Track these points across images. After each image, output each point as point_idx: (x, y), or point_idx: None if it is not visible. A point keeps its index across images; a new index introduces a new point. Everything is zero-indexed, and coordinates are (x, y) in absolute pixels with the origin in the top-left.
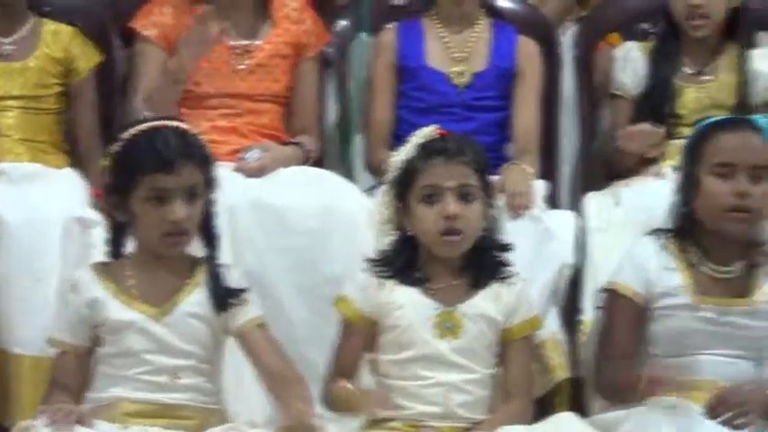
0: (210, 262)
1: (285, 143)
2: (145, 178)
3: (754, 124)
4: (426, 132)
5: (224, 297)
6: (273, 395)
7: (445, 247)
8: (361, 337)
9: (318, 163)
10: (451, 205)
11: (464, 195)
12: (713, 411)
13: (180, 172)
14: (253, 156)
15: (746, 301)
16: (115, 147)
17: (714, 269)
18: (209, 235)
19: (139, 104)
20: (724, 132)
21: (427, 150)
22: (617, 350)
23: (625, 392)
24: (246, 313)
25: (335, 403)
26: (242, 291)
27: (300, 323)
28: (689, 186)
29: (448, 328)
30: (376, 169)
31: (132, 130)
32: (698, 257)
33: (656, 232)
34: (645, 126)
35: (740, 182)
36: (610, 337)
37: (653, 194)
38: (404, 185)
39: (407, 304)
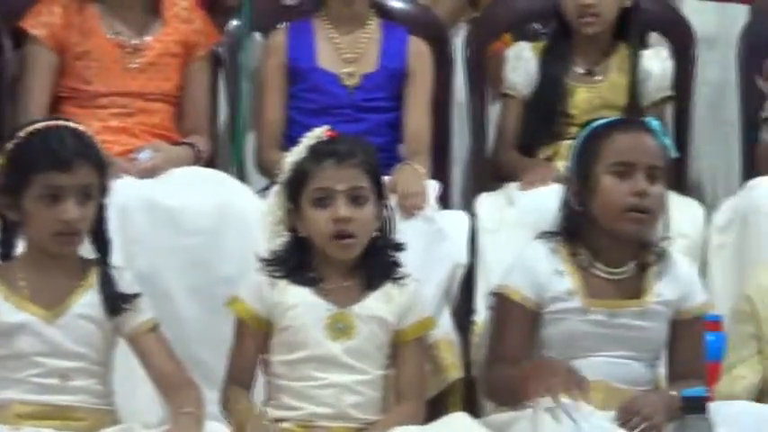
0: (102, 265)
1: (176, 143)
2: (39, 176)
3: (647, 125)
4: (317, 134)
5: (116, 301)
6: (164, 399)
7: (337, 250)
8: (254, 337)
9: (210, 163)
10: (342, 209)
11: (355, 198)
12: (624, 424)
13: (75, 171)
14: (144, 156)
15: (638, 303)
16: (9, 145)
17: (605, 271)
18: (100, 238)
19: (31, 107)
20: (620, 132)
21: (318, 153)
22: (506, 353)
23: (513, 394)
24: (138, 316)
25: (231, 413)
26: (134, 296)
27: (193, 323)
28: (584, 186)
29: (340, 329)
30: (267, 170)
31: (27, 129)
32: (588, 260)
33: (547, 235)
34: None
35: (638, 181)
36: (499, 340)
37: (545, 195)
38: (295, 187)
39: (300, 305)
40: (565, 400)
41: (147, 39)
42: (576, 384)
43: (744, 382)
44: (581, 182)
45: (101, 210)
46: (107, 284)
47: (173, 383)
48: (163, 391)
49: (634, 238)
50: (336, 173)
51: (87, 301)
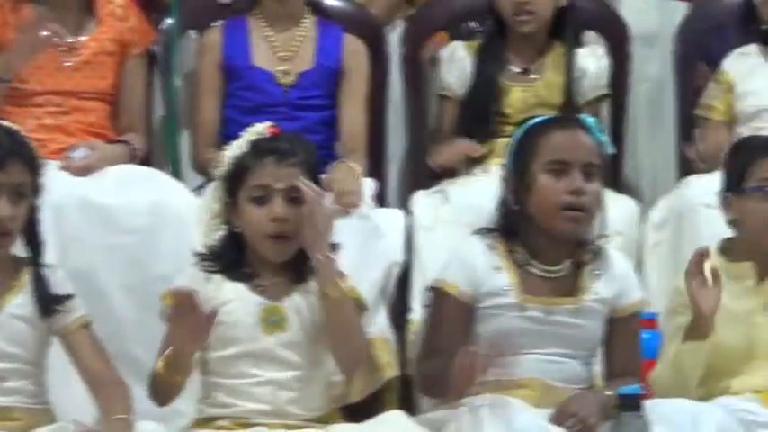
0: (35, 265)
1: (111, 141)
2: None
3: (582, 123)
4: (259, 129)
5: (48, 303)
6: (93, 397)
7: (271, 250)
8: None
9: (145, 161)
10: (280, 208)
11: (293, 198)
12: (560, 425)
13: (8, 170)
14: (79, 154)
15: (573, 300)
16: None
17: (541, 268)
18: (33, 238)
19: None
20: (556, 130)
21: (259, 149)
22: (441, 347)
23: (445, 388)
24: (69, 314)
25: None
26: (66, 296)
27: (129, 321)
28: (520, 184)
29: (274, 322)
30: (202, 168)
31: None
32: (525, 257)
33: (484, 231)
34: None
35: (575, 179)
36: (434, 334)
37: (480, 193)
38: (234, 182)
39: (234, 300)
40: (497, 397)
41: (83, 38)
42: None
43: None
44: (517, 180)
45: (33, 209)
46: (39, 285)
47: (102, 381)
48: (92, 388)
49: (570, 236)
50: (276, 171)
51: (20, 301)
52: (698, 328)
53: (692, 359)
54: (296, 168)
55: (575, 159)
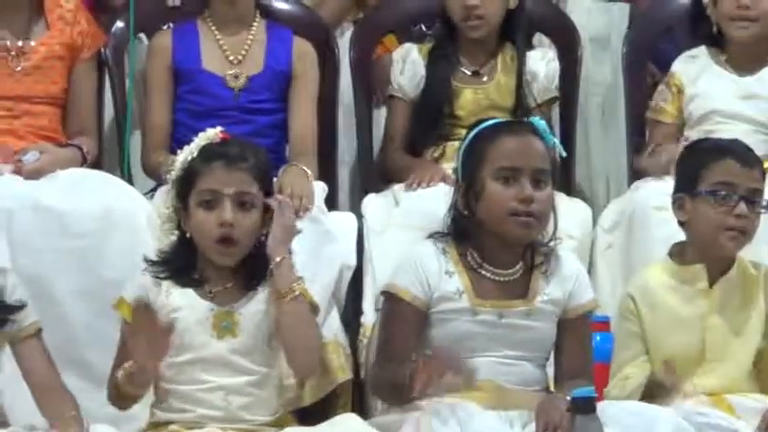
0: None
1: (62, 145)
2: None
3: (533, 127)
4: (210, 135)
5: (1, 314)
6: (40, 406)
7: (219, 255)
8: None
9: (96, 165)
10: (228, 213)
11: (242, 203)
12: None
13: None
14: (29, 158)
15: (525, 303)
16: None
17: (493, 272)
18: None
19: None
20: (505, 136)
21: (208, 154)
22: (395, 353)
23: (400, 392)
24: (21, 322)
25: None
26: (19, 307)
27: (81, 326)
28: (470, 190)
29: (225, 327)
30: (153, 172)
31: None
32: (477, 261)
33: (436, 235)
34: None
35: (524, 186)
36: (388, 339)
37: (431, 197)
38: (184, 187)
39: (184, 306)
40: (451, 400)
41: (32, 42)
42: (461, 374)
43: (632, 382)
44: (467, 186)
45: None
46: None
47: (50, 389)
48: (39, 396)
49: (521, 241)
50: (225, 176)
51: None
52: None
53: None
54: (245, 173)
55: (524, 166)
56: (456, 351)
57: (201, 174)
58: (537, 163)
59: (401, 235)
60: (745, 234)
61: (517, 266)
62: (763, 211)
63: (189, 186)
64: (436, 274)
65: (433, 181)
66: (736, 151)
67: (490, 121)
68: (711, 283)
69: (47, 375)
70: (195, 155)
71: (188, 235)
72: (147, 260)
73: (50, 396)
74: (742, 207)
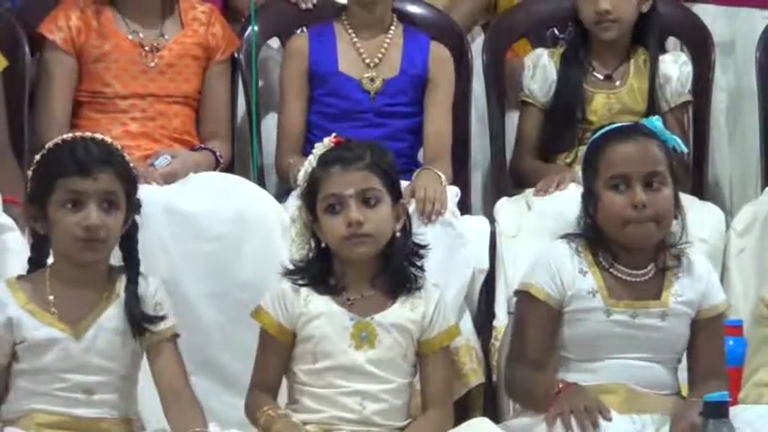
0: (130, 283)
1: (195, 148)
2: (60, 182)
3: (645, 130)
4: (325, 143)
5: (141, 321)
6: (167, 412)
7: (352, 249)
8: (279, 348)
9: (229, 168)
10: (354, 212)
11: (366, 200)
12: None
13: (97, 177)
14: (161, 162)
15: (659, 303)
16: (37, 156)
17: (626, 272)
18: (130, 254)
19: (51, 112)
20: (613, 144)
21: (325, 161)
22: (530, 353)
23: (532, 402)
24: (158, 325)
25: (258, 419)
26: (160, 318)
27: (214, 328)
28: (589, 200)
29: (364, 338)
30: (286, 175)
31: (54, 141)
32: (609, 261)
33: (569, 236)
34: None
35: (636, 193)
36: (522, 339)
37: (563, 200)
38: (310, 198)
39: (323, 315)
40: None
41: (166, 40)
42: (594, 420)
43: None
44: (587, 195)
45: (131, 223)
46: (133, 305)
47: (179, 397)
48: (167, 402)
49: (641, 246)
50: (343, 178)
51: (113, 313)
52: None
53: None
54: (363, 171)
55: (634, 171)
56: (591, 396)
57: (322, 181)
58: (647, 167)
59: (533, 239)
60: None
61: (649, 267)
62: None
63: (314, 197)
64: (570, 273)
65: (563, 184)
66: None
67: (602, 130)
68: None
69: (177, 382)
70: (315, 165)
71: (323, 245)
72: (284, 270)
73: (179, 404)
74: None
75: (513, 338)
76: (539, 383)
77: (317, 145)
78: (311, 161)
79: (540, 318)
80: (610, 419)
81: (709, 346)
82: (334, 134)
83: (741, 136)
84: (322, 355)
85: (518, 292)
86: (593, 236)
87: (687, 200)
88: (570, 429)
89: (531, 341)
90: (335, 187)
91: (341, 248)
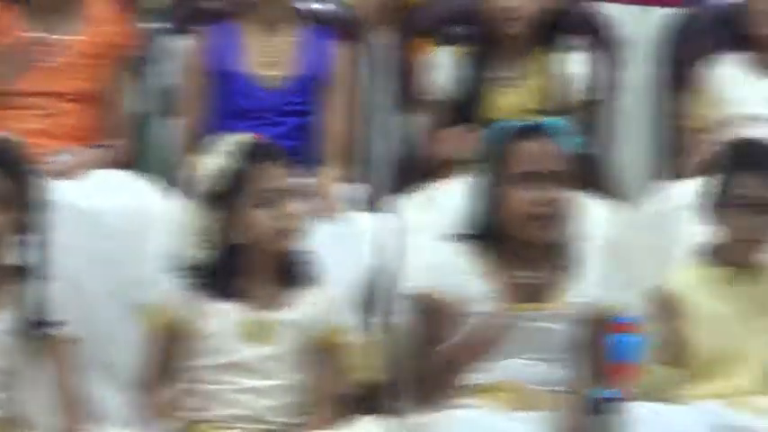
0: (24, 282)
1: (94, 146)
2: None
3: (550, 129)
4: (243, 138)
5: (36, 324)
6: (61, 411)
7: (281, 243)
8: (173, 344)
9: (127, 166)
10: (286, 206)
11: (293, 197)
12: None
13: None
14: (60, 159)
15: (552, 306)
16: None
17: (519, 274)
18: (24, 252)
19: None
20: (522, 141)
21: (255, 155)
22: (436, 357)
23: (440, 390)
24: (54, 328)
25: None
26: (59, 323)
27: (109, 325)
28: (490, 195)
29: (257, 335)
30: (186, 173)
31: None
32: (503, 263)
33: (462, 238)
34: (458, 130)
35: (542, 190)
36: (424, 344)
37: (461, 196)
38: (230, 194)
39: (217, 312)
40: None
41: (67, 38)
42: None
43: (666, 383)
44: (487, 190)
45: (24, 220)
46: (30, 308)
47: (70, 400)
48: (63, 402)
49: (541, 242)
50: (277, 172)
51: (5, 315)
52: None
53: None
54: (286, 170)
55: (541, 169)
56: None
57: (252, 176)
58: (554, 165)
59: (434, 234)
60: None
61: (542, 268)
62: None
63: (236, 191)
64: (464, 276)
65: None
66: (763, 165)
67: (507, 126)
68: (742, 285)
69: (69, 383)
70: (237, 160)
71: (233, 241)
72: (180, 267)
73: (73, 406)
74: (760, 221)
75: (413, 343)
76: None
77: (227, 141)
78: (229, 157)
79: (439, 321)
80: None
81: (600, 345)
82: (251, 132)
83: (637, 133)
84: (215, 352)
85: (414, 297)
86: (489, 235)
87: (585, 197)
88: None
89: (432, 344)
90: (271, 182)
91: (268, 242)
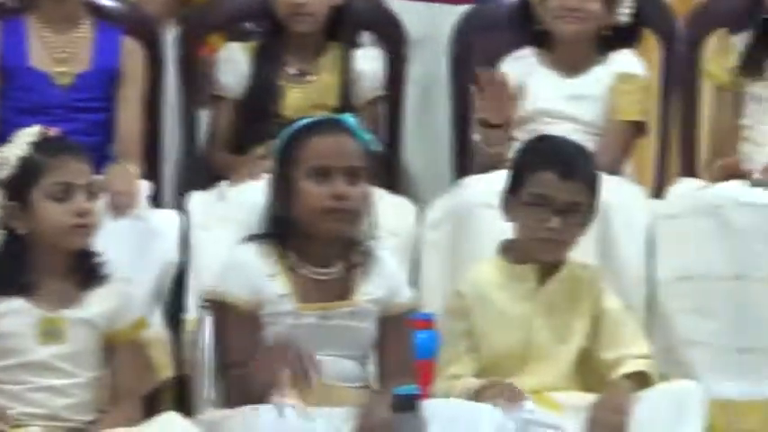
0: None
1: None
2: None
3: (345, 125)
4: (40, 131)
5: None
6: None
7: (75, 239)
8: None
9: None
10: (84, 202)
11: (92, 193)
12: None
13: None
14: None
15: (348, 303)
16: None
17: (314, 272)
18: None
19: None
20: (317, 135)
21: (52, 148)
22: (234, 358)
23: (249, 392)
24: None
25: None
26: None
27: None
28: (285, 190)
29: (51, 334)
30: None
31: None
32: (298, 261)
33: (257, 238)
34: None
35: (337, 184)
36: (225, 346)
37: (255, 191)
38: (23, 184)
39: (9, 311)
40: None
41: None
42: (305, 369)
43: (459, 381)
44: (282, 185)
45: None
46: None
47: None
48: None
49: (336, 238)
50: (77, 167)
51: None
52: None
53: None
54: (88, 165)
55: (336, 164)
56: (296, 347)
57: (49, 168)
58: (349, 161)
59: (227, 229)
60: (563, 243)
61: (337, 265)
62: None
63: (30, 183)
64: (259, 278)
65: (254, 176)
66: (558, 164)
67: (302, 121)
68: (540, 283)
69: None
70: (32, 151)
71: (20, 232)
72: None
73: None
74: (555, 221)
75: (217, 347)
76: (248, 376)
77: (23, 133)
78: (22, 147)
79: (238, 323)
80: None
81: (398, 342)
82: (43, 126)
83: (435, 130)
84: (9, 352)
85: (210, 301)
86: (283, 233)
87: (378, 194)
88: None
89: (233, 347)
90: (68, 176)
91: (61, 237)
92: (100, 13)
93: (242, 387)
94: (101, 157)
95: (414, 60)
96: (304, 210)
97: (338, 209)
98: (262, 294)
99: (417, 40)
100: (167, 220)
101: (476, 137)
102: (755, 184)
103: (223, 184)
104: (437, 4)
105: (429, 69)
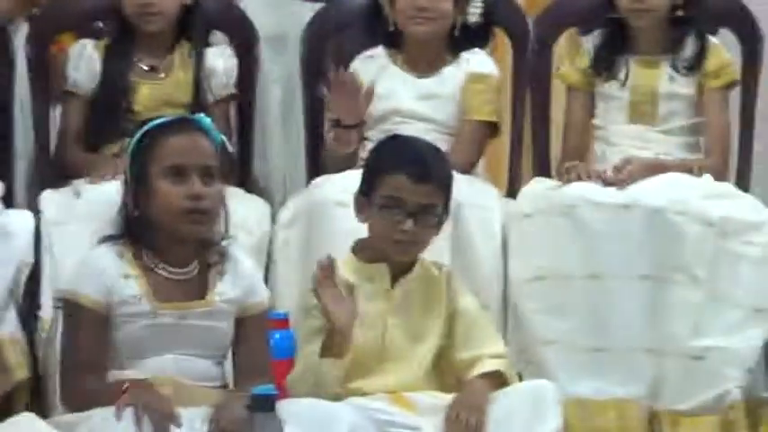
0: None
1: None
2: None
3: (199, 125)
4: None
5: None
6: None
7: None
8: None
9: None
10: (197, 186)
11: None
12: None
13: None
14: None
15: (204, 303)
16: None
17: (169, 271)
18: None
19: None
20: (171, 135)
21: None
22: (83, 359)
23: (101, 400)
24: None
25: None
26: None
27: None
28: (140, 189)
29: None
30: None
31: None
32: (153, 262)
33: (111, 238)
34: None
35: (193, 184)
36: (75, 346)
37: (113, 188)
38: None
39: None
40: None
41: None
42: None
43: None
44: (137, 184)
45: None
46: None
47: None
48: None
49: (192, 238)
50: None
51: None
52: (336, 345)
53: (333, 374)
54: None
55: (192, 163)
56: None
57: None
58: (204, 160)
59: (83, 227)
60: (416, 244)
61: (193, 265)
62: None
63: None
64: (114, 279)
65: (114, 175)
66: (410, 166)
67: (156, 120)
68: (393, 282)
69: None
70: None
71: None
72: None
73: None
74: (408, 224)
75: (65, 346)
76: (101, 395)
77: None
78: None
79: (90, 324)
80: (179, 425)
81: (253, 342)
82: None
83: (293, 129)
84: None
85: (63, 300)
86: (137, 233)
87: (233, 193)
88: (140, 423)
89: (83, 348)
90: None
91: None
92: None
93: (90, 396)
94: None
95: (275, 60)
96: (160, 210)
97: (194, 209)
98: (115, 295)
99: (278, 38)
100: (20, 219)
101: (329, 137)
102: (608, 183)
103: (78, 182)
104: (296, 1)
105: (291, 69)
